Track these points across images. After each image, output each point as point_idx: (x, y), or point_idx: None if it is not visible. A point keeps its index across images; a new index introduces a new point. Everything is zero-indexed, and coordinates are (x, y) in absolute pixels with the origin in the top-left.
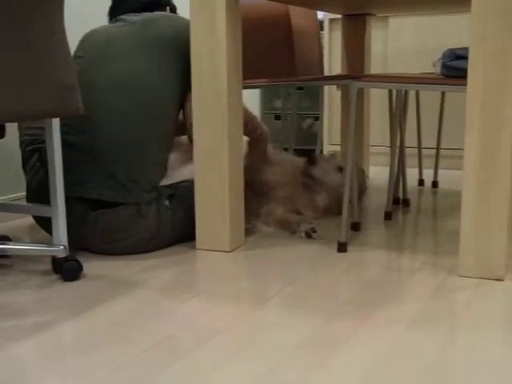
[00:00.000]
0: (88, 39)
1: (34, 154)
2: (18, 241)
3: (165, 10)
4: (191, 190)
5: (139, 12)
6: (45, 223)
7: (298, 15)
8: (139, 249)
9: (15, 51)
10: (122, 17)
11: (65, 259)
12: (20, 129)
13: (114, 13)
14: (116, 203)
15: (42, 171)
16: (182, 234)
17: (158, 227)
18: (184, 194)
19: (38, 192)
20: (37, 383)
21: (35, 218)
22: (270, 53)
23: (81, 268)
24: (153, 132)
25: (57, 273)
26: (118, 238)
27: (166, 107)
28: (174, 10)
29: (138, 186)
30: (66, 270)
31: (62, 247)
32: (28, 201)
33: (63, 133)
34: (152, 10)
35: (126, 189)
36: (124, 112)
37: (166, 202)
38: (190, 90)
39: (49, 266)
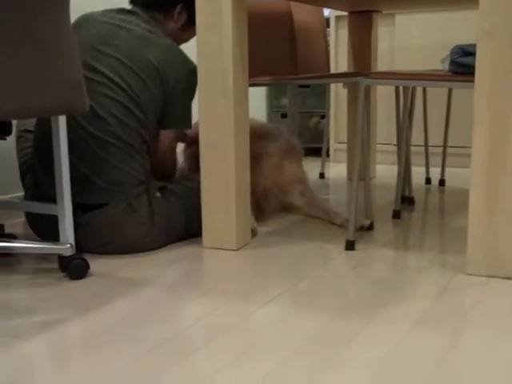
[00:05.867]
0: (83, 24)
1: (26, 175)
2: (23, 239)
3: (173, 9)
4: (189, 188)
5: (151, 6)
6: (37, 226)
7: (301, 12)
8: (135, 246)
9: (22, 49)
10: (133, 11)
11: (71, 257)
12: (17, 144)
13: (133, 0)
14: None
15: (33, 193)
16: (179, 229)
17: (152, 220)
18: (180, 191)
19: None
20: (44, 381)
21: (28, 220)
22: (272, 50)
23: (87, 266)
24: (115, 131)
25: (63, 271)
26: (113, 239)
27: (140, 108)
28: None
29: (120, 186)
30: (73, 268)
31: (68, 245)
32: (27, 216)
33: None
34: (163, 6)
35: (108, 191)
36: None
37: (158, 194)
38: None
39: (55, 264)
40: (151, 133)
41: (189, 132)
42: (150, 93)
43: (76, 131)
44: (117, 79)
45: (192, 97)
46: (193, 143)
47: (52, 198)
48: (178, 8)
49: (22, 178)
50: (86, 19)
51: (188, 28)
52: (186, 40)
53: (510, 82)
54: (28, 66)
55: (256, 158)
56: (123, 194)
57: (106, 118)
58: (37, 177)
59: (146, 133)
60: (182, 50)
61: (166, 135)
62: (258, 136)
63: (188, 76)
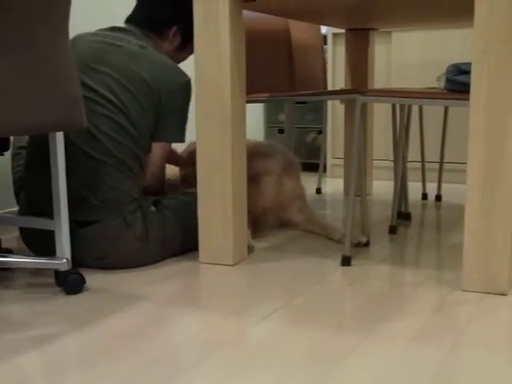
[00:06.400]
0: (75, 45)
1: (20, 191)
2: (18, 253)
3: (168, 30)
4: (186, 202)
5: (145, 26)
6: (31, 240)
7: (299, 30)
8: (131, 261)
9: (21, 64)
10: (126, 29)
11: (68, 272)
12: (13, 160)
13: (128, 19)
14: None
15: (28, 208)
16: (175, 243)
17: (147, 235)
18: (176, 205)
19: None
20: None
21: (22, 235)
22: (269, 67)
23: (84, 281)
24: (109, 150)
25: (59, 286)
26: (108, 253)
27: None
28: (184, 29)
29: (115, 204)
30: (69, 283)
31: (64, 260)
32: (21, 231)
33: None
34: (158, 27)
35: (103, 209)
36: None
37: (152, 208)
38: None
39: (51, 279)
40: (144, 149)
41: (182, 154)
42: (143, 108)
43: (71, 150)
44: (110, 96)
45: (185, 110)
46: (187, 165)
47: (46, 213)
48: (173, 30)
49: (17, 194)
50: (78, 38)
51: (182, 49)
52: (180, 61)
53: (505, 100)
54: (26, 80)
55: (254, 180)
56: (118, 210)
57: (100, 136)
58: (30, 192)
59: (138, 149)
60: (174, 64)
61: (155, 155)
62: (254, 156)
63: (180, 90)
